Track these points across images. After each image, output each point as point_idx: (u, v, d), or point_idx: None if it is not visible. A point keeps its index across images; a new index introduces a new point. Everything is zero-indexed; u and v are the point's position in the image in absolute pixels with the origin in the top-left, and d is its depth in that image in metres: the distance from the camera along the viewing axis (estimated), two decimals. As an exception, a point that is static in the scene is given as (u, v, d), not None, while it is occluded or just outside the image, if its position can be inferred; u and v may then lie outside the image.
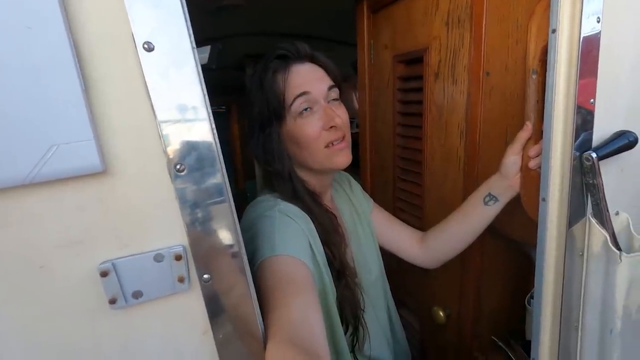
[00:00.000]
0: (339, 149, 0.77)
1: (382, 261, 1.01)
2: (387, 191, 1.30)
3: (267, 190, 0.83)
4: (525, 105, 0.71)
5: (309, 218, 0.77)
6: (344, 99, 0.85)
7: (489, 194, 0.81)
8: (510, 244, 0.99)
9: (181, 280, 0.43)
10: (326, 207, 0.85)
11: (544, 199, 0.65)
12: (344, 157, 0.79)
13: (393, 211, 1.26)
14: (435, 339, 1.21)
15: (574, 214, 0.64)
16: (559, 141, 0.62)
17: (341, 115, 0.78)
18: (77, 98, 0.37)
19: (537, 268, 0.68)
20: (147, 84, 0.40)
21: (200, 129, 0.43)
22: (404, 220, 1.13)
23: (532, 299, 1.03)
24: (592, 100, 0.60)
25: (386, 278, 1.02)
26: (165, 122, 0.41)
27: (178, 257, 0.43)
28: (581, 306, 0.65)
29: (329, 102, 0.78)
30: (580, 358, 0.66)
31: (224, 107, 3.26)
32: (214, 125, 0.44)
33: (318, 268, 0.72)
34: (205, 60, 2.17)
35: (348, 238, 0.91)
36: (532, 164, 0.71)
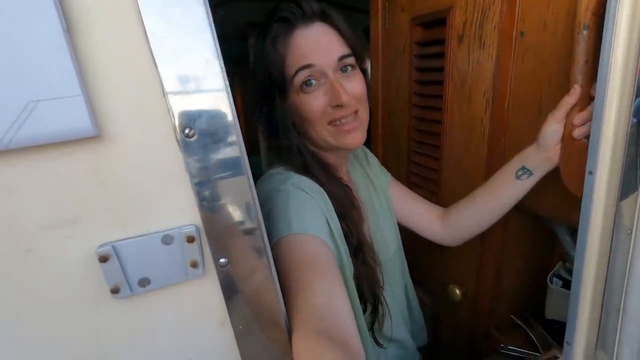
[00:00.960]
0: (348, 129, 0.69)
1: (400, 237, 0.96)
2: (401, 165, 1.23)
3: (278, 163, 0.76)
4: (571, 67, 0.63)
5: (324, 191, 0.70)
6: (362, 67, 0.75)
7: (523, 167, 0.74)
8: (535, 219, 0.93)
9: (194, 265, 0.37)
10: (341, 180, 0.78)
11: (590, 172, 0.59)
12: (354, 138, 0.70)
13: (406, 186, 1.20)
14: (450, 317, 1.18)
15: (625, 189, 0.57)
16: (614, 106, 0.55)
17: (353, 89, 0.68)
18: (57, 41, 0.29)
19: (578, 246, 0.63)
20: (146, 27, 0.32)
21: (212, 85, 0.35)
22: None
23: (555, 277, 1.00)
24: (656, 57, 0.53)
25: (404, 255, 0.97)
26: (169, 75, 0.33)
27: (190, 239, 0.36)
28: (625, 287, 0.60)
29: (340, 72, 0.67)
30: (620, 343, 0.62)
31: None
32: (227, 83, 0.37)
33: (335, 244, 0.67)
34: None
35: (365, 213, 0.86)
36: (577, 133, 0.63)
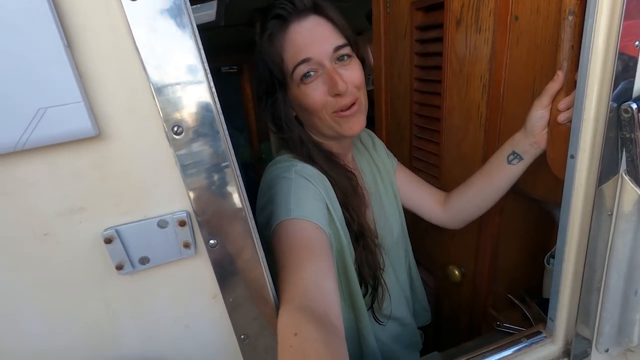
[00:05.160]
0: (348, 115, 0.71)
1: (404, 221, 0.99)
2: (404, 150, 1.25)
3: (285, 151, 0.80)
4: (557, 53, 0.64)
5: (327, 179, 0.74)
6: (359, 55, 0.77)
7: (513, 152, 0.75)
8: (532, 201, 0.95)
9: (187, 245, 0.43)
10: (346, 167, 0.81)
11: (572, 156, 0.60)
12: (354, 124, 0.73)
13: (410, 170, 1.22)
14: (450, 296, 1.22)
15: (605, 171, 0.59)
16: (595, 91, 0.56)
17: (351, 77, 0.70)
18: (60, 55, 0.34)
19: (560, 227, 0.65)
20: (135, 39, 0.36)
21: (197, 88, 0.40)
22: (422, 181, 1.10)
23: (552, 258, 1.02)
24: (637, 42, 0.53)
25: (408, 238, 1.01)
26: (158, 80, 0.38)
27: (182, 223, 0.42)
28: (605, 266, 0.62)
29: (337, 62, 0.69)
30: (601, 319, 0.65)
31: (235, 67, 3.15)
32: (212, 84, 0.41)
33: (335, 229, 0.70)
34: (213, 17, 2.06)
35: (369, 199, 0.89)
36: (561, 117, 0.65)
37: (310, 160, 0.75)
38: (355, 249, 0.76)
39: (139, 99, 0.38)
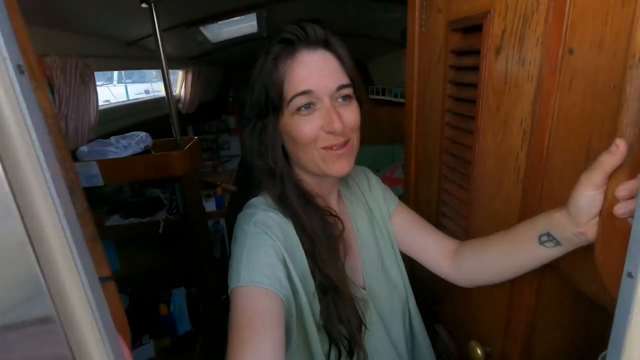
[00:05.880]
0: (338, 155, 0.68)
1: (405, 271, 0.87)
2: (432, 190, 1.08)
3: (260, 190, 0.76)
4: (619, 112, 0.45)
5: (293, 225, 0.69)
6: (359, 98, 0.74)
7: (548, 234, 0.56)
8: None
9: None
10: (326, 210, 0.74)
11: (631, 275, 0.41)
12: (342, 165, 0.69)
13: (436, 215, 1.05)
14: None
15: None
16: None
17: (348, 118, 0.67)
18: None
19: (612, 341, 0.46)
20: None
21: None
22: (445, 229, 0.93)
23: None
24: None
25: (409, 289, 0.88)
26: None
27: None
28: None
29: (337, 101, 0.67)
30: None
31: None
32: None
33: (293, 286, 0.64)
34: (255, 29, 2.05)
35: (356, 246, 0.80)
36: (620, 209, 0.44)
37: (281, 199, 0.71)
38: (321, 303, 0.67)
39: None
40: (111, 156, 1.19)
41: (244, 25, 1.94)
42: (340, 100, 0.67)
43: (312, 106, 0.66)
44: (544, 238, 0.57)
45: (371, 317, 0.76)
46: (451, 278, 0.82)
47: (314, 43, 0.66)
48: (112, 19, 1.47)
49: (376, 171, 3.23)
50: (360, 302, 0.71)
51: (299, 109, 0.66)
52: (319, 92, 0.65)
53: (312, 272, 0.68)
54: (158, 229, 1.26)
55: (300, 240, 0.69)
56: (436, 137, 1.01)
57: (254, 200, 0.76)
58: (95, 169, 1.15)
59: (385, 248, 0.86)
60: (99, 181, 1.17)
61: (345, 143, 0.68)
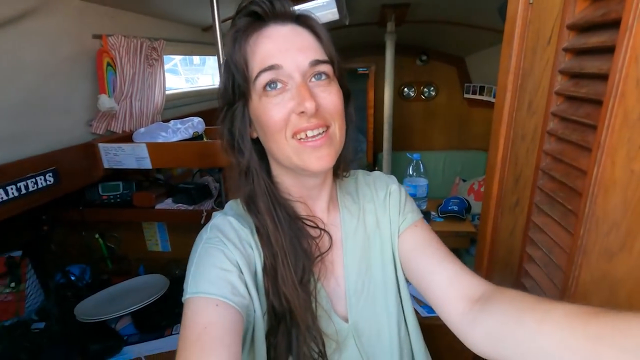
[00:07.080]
0: (313, 146, 0.56)
1: (408, 308, 0.71)
2: (518, 221, 0.80)
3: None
4: None
5: (253, 233, 0.60)
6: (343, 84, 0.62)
7: None
8: None
9: None
10: (310, 220, 0.63)
11: None
12: (320, 159, 0.56)
13: (519, 258, 0.77)
14: None
15: None
16: None
17: (326, 100, 0.56)
18: None
19: None
20: None
21: None
22: (530, 279, 0.67)
23: None
24: None
25: (419, 336, 0.73)
26: None
27: None
28: None
29: (311, 80, 0.56)
30: None
31: (366, 69, 2.91)
32: None
33: (249, 295, 0.56)
34: (336, 16, 1.90)
35: (342, 268, 0.67)
36: None
37: (249, 201, 0.61)
38: (271, 326, 0.58)
39: None
40: (160, 140, 1.17)
41: (323, 13, 1.80)
42: (314, 79, 0.56)
43: (281, 86, 0.55)
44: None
45: (349, 358, 0.64)
46: (462, 333, 0.57)
47: (282, 16, 0.56)
48: (190, 3, 1.47)
49: (463, 181, 2.84)
50: (331, 338, 0.60)
51: (265, 88, 0.55)
52: (289, 68, 0.54)
53: (266, 291, 0.58)
54: (201, 218, 1.21)
55: (263, 252, 0.59)
56: (532, 150, 0.73)
57: (227, 203, 0.67)
58: (144, 151, 1.14)
59: (385, 273, 0.69)
60: (148, 164, 1.16)
61: (322, 132, 0.56)
